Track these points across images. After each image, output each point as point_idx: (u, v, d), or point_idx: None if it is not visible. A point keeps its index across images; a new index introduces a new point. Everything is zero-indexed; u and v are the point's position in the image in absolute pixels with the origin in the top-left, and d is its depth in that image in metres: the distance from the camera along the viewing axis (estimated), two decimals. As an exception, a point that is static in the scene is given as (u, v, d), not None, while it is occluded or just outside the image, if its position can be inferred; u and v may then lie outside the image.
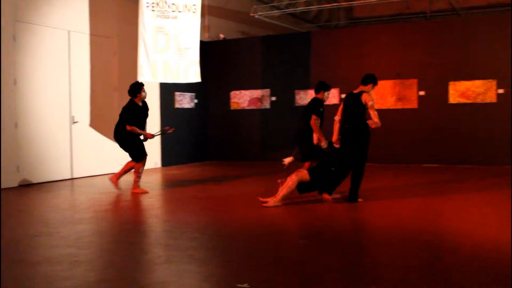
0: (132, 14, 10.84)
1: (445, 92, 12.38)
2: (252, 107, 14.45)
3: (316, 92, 7.93)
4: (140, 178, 8.62)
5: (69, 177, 10.50)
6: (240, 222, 6.31)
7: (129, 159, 8.71)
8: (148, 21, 9.89)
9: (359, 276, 4.10)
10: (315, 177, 7.19)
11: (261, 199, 7.38)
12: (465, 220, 6.20)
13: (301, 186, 7.24)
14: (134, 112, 8.44)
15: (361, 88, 7.47)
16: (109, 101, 11.51)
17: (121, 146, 8.62)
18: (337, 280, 4.01)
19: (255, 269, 4.33)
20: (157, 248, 5.15)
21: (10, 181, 9.21)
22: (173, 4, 10.00)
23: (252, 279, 4.00)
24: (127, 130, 8.36)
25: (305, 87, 13.76)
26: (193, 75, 10.33)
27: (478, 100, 12.09)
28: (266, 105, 14.28)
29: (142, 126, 8.57)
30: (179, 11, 10.05)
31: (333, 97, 13.22)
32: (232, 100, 14.69)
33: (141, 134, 8.52)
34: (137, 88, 8.46)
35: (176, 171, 12.13)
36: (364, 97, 7.25)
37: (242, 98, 14.55)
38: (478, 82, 12.10)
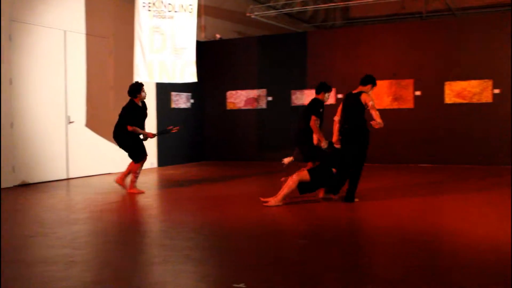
0: (128, 14, 10.82)
1: (441, 92, 12.40)
2: (248, 107, 14.45)
3: (317, 92, 7.93)
4: (137, 179, 8.63)
5: (65, 177, 10.48)
6: (237, 222, 6.31)
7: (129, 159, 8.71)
8: (144, 21, 9.88)
9: (359, 276, 4.10)
10: (315, 177, 7.21)
11: (262, 198, 7.41)
12: (464, 220, 6.21)
13: (302, 187, 7.27)
14: (134, 112, 8.45)
15: (360, 88, 7.52)
16: (105, 101, 11.49)
17: (120, 146, 8.62)
18: (337, 280, 4.01)
19: (252, 269, 4.33)
20: (153, 248, 5.15)
21: (5, 181, 9.18)
22: (169, 4, 9.99)
23: (248, 279, 4.00)
24: (127, 130, 8.36)
25: (302, 87, 13.77)
26: (190, 75, 10.32)
27: (474, 100, 12.12)
28: (263, 105, 14.28)
29: (142, 126, 8.59)
30: (176, 11, 10.04)
31: (329, 97, 13.22)
32: (229, 100, 14.69)
33: (141, 134, 8.53)
34: (137, 89, 8.46)
35: (173, 171, 12.12)
36: (364, 98, 7.29)
37: (239, 98, 14.54)
38: (474, 82, 12.12)
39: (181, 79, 10.33)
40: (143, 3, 9.86)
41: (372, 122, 7.05)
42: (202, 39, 14.50)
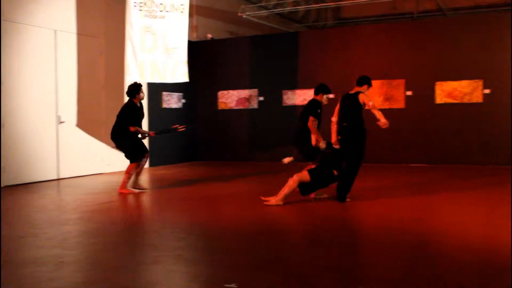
0: (119, 13, 10.79)
1: (432, 92, 12.45)
2: (240, 107, 14.44)
3: (316, 93, 8.01)
4: (129, 180, 8.62)
5: (55, 177, 10.43)
6: (229, 222, 6.31)
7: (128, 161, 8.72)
8: (135, 20, 9.84)
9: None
10: (315, 178, 7.25)
11: (262, 198, 7.46)
12: (463, 220, 6.22)
13: (303, 187, 7.32)
14: (135, 112, 8.51)
15: (357, 89, 7.62)
16: (96, 101, 11.45)
17: (117, 146, 8.63)
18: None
19: (244, 269, 4.32)
20: (144, 248, 5.13)
21: (-5, 182, 9.14)
22: (160, 3, 9.96)
23: (240, 279, 3.99)
24: (126, 130, 8.40)
25: (293, 87, 13.78)
26: (181, 75, 10.29)
27: (465, 100, 12.17)
28: (254, 105, 14.27)
29: (140, 126, 8.66)
30: (167, 11, 10.01)
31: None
32: (220, 100, 14.67)
33: (139, 134, 8.56)
34: (136, 89, 8.53)
35: (164, 171, 12.09)
36: (362, 98, 7.39)
37: (230, 98, 14.53)
38: (464, 82, 12.18)
39: (173, 79, 10.30)
40: (134, 2, 9.82)
41: (379, 123, 7.15)
42: (194, 39, 14.47)
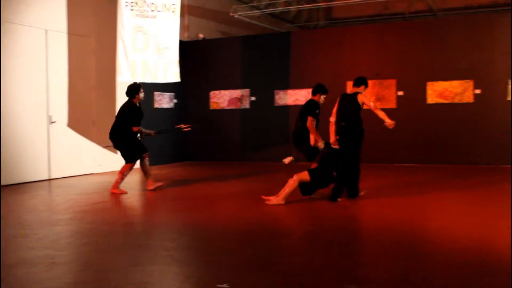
0: (111, 13, 10.74)
1: (423, 92, 12.49)
2: (231, 107, 14.43)
3: (313, 94, 8.12)
4: (122, 180, 8.60)
5: (46, 177, 10.38)
6: (222, 223, 6.30)
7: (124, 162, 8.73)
8: (127, 20, 9.81)
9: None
10: (315, 178, 7.30)
11: (264, 197, 7.48)
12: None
13: (304, 188, 7.38)
14: (136, 112, 8.56)
15: (355, 89, 7.73)
16: (87, 101, 11.41)
17: (115, 146, 8.66)
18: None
19: (236, 269, 4.32)
20: (136, 249, 5.11)
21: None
22: (152, 3, 9.94)
23: (232, 279, 3.99)
24: (128, 130, 8.45)
25: (285, 87, 13.78)
26: (172, 75, 10.27)
27: (456, 100, 12.23)
28: (246, 105, 14.27)
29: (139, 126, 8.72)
30: (158, 11, 9.99)
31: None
32: (212, 100, 14.65)
33: (141, 133, 8.61)
34: (135, 89, 8.60)
35: (156, 171, 12.04)
36: (361, 98, 7.52)
37: (222, 98, 14.52)
38: (455, 83, 12.23)
39: (164, 79, 10.29)
40: (126, 2, 9.79)
41: (386, 124, 7.28)
42: (185, 38, 14.44)
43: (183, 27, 13.92)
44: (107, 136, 8.66)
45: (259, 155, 13.94)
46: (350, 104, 7.56)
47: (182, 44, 12.72)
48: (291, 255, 4.90)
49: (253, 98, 14.17)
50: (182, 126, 9.48)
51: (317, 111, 7.89)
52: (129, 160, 8.58)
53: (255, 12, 16.31)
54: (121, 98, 11.92)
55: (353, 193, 7.58)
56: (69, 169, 10.89)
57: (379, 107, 7.83)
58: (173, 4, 10.12)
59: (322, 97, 8.07)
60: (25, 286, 3.90)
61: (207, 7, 15.69)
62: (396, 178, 10.08)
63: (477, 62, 12.06)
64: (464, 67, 12.15)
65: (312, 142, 7.77)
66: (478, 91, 12.05)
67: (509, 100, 11.74)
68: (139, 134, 8.64)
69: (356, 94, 7.60)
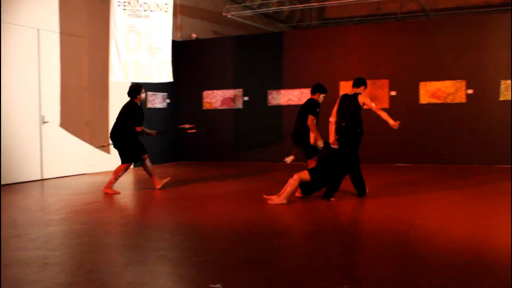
0: (103, 12, 10.72)
1: (416, 92, 12.53)
2: (224, 107, 14.42)
3: (312, 93, 8.20)
4: (116, 180, 8.60)
5: (39, 178, 10.34)
6: (217, 222, 6.29)
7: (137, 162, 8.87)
8: (119, 20, 9.79)
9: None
10: (315, 177, 7.34)
11: (265, 196, 7.50)
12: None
13: (304, 188, 7.44)
14: (139, 112, 8.62)
15: (355, 90, 7.80)
16: (80, 101, 11.37)
17: (115, 146, 8.67)
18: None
19: (229, 269, 4.31)
20: (129, 249, 5.10)
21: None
22: (144, 3, 9.92)
23: (225, 279, 3.99)
24: (131, 130, 8.49)
25: (278, 87, 13.79)
26: (165, 75, 10.26)
27: (448, 100, 12.28)
28: (239, 105, 14.26)
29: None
30: (151, 10, 9.97)
31: (305, 97, 13.24)
32: (205, 100, 14.64)
33: (143, 133, 8.63)
34: (137, 90, 8.66)
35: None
36: (362, 99, 7.62)
37: (215, 98, 14.51)
38: (448, 83, 12.27)
39: (157, 79, 10.27)
40: (118, 2, 9.76)
41: (391, 125, 7.40)
42: (178, 38, 14.43)
43: (176, 27, 13.91)
44: (100, 136, 8.66)
45: (252, 155, 13.95)
46: (350, 105, 7.65)
47: (175, 44, 12.71)
48: (291, 255, 4.90)
49: (246, 98, 14.17)
50: (186, 126, 9.50)
51: (318, 110, 7.97)
52: (126, 160, 8.58)
53: (248, 12, 16.31)
54: (114, 98, 11.95)
55: (362, 191, 7.67)
56: (62, 169, 10.85)
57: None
58: (166, 4, 10.10)
59: (321, 96, 8.16)
60: (18, 287, 3.88)
61: (200, 7, 15.67)
62: (391, 178, 10.09)
63: (469, 62, 12.12)
64: (457, 67, 12.20)
65: (311, 140, 7.83)
66: (470, 91, 12.10)
67: (501, 100, 11.80)
68: (144, 135, 8.69)
69: (356, 94, 7.69)
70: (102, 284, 3.95)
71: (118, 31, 9.77)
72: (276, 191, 7.66)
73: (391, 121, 7.41)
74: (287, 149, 8.57)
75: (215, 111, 14.51)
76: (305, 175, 7.32)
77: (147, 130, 8.70)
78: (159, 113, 13.83)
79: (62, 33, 10.86)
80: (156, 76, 10.18)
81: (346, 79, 12.69)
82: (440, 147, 12.34)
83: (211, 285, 3.81)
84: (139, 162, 8.86)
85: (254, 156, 13.87)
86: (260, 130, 13.90)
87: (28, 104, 10.13)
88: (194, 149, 14.74)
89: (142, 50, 9.94)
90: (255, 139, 13.96)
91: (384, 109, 12.52)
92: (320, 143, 7.69)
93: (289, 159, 8.17)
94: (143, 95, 8.73)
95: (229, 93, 14.35)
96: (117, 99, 12.13)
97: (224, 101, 14.41)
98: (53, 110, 10.68)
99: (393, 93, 12.69)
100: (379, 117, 7.58)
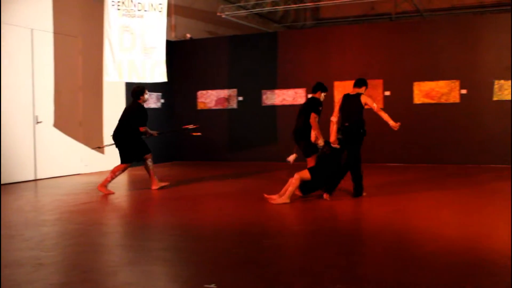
0: (97, 12, 10.68)
1: (410, 92, 12.56)
2: (219, 107, 14.41)
3: (314, 92, 8.33)
4: (112, 180, 8.62)
5: (32, 178, 10.30)
6: (213, 222, 6.28)
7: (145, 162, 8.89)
8: (113, 19, 9.76)
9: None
10: (315, 176, 7.35)
11: (266, 195, 7.50)
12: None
13: (304, 187, 7.44)
14: (143, 113, 8.68)
15: (357, 90, 7.87)
16: (74, 101, 11.33)
17: (117, 146, 8.70)
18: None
19: (223, 269, 4.31)
20: (123, 249, 5.09)
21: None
22: (139, 3, 9.89)
23: (219, 279, 3.98)
24: (134, 131, 8.55)
25: (272, 87, 13.79)
26: (159, 75, 10.24)
27: (442, 100, 12.31)
28: (233, 105, 14.26)
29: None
30: (145, 10, 9.95)
31: (300, 97, 13.31)
32: (199, 100, 14.63)
33: (143, 134, 8.69)
34: (140, 91, 8.76)
35: (144, 171, 11.99)
36: (364, 99, 7.70)
37: (209, 98, 14.50)
38: (442, 83, 12.31)
39: (151, 79, 10.25)
40: (112, 1, 9.73)
41: (392, 127, 7.46)
42: (172, 38, 14.41)
43: (170, 27, 13.89)
44: (94, 136, 8.65)
45: (246, 155, 13.94)
46: (353, 105, 7.71)
47: (169, 44, 12.69)
48: (290, 254, 4.90)
49: (240, 98, 14.16)
50: (190, 127, 9.55)
51: (320, 108, 8.05)
52: (126, 161, 8.60)
53: (242, 12, 16.31)
54: (108, 98, 11.93)
55: (358, 192, 7.69)
56: (56, 169, 10.81)
57: (365, 107, 7.90)
58: (160, 4, 10.09)
59: (322, 94, 8.28)
60: (12, 287, 3.87)
61: (194, 7, 15.66)
62: (387, 178, 10.10)
63: (463, 63, 12.15)
64: (451, 67, 12.24)
65: (312, 138, 7.87)
66: (464, 91, 12.13)
67: (494, 100, 11.84)
68: (144, 134, 8.75)
69: (359, 95, 7.76)
70: (97, 285, 3.94)
71: (112, 31, 9.74)
72: (274, 190, 7.65)
73: (391, 122, 7.46)
74: (281, 148, 8.59)
75: (209, 111, 14.50)
76: (305, 174, 7.34)
77: (150, 131, 8.78)
78: (153, 113, 13.76)
79: (56, 32, 10.83)
80: (150, 76, 10.15)
81: (340, 79, 12.71)
82: (434, 147, 12.37)
83: (205, 285, 3.81)
84: (137, 163, 8.88)
85: (249, 156, 13.87)
86: (254, 130, 13.89)
87: (21, 104, 10.10)
88: (189, 150, 14.71)
89: (136, 50, 9.92)
90: (250, 139, 13.95)
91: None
92: (321, 142, 7.73)
93: (291, 158, 8.19)
94: (146, 96, 8.81)
95: (223, 93, 14.34)
96: (111, 99, 12.13)
97: (218, 101, 14.40)
98: (47, 110, 10.65)
99: (387, 93, 12.71)
100: (373, 117, 7.61)
